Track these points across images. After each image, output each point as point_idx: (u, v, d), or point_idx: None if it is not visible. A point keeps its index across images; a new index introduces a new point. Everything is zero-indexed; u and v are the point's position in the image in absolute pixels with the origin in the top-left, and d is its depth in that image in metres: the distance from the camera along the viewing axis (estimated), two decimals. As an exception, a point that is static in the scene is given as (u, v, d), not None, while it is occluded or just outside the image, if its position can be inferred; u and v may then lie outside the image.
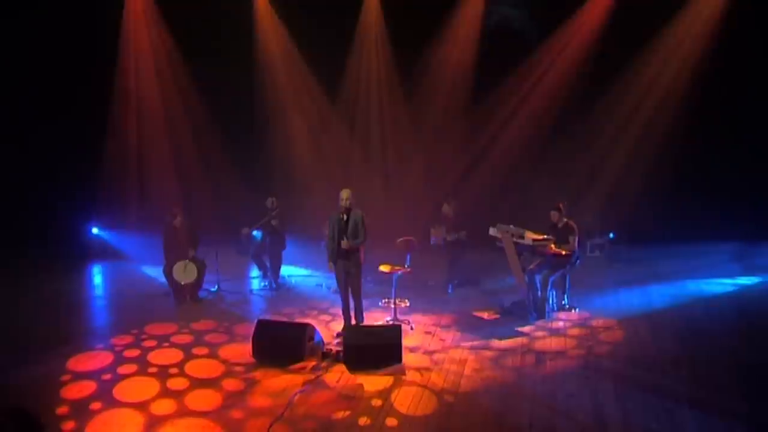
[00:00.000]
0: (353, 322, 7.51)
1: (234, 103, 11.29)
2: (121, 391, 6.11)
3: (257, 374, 6.45)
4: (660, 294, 8.97)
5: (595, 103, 10.87)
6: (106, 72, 10.90)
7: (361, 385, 6.17)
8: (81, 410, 5.69)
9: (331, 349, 6.89)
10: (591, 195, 10.94)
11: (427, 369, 6.59)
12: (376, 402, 5.85)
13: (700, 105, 10.01)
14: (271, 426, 5.38)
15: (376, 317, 8.05)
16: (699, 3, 10.16)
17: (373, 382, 6.23)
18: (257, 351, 6.80)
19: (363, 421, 5.52)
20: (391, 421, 5.52)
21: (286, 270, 9.96)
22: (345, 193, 7.23)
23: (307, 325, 7.02)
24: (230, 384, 6.27)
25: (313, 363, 6.64)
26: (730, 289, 9.28)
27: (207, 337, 7.56)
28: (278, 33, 11.40)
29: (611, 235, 11.21)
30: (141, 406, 5.79)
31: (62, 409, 5.70)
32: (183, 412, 5.71)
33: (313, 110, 11.85)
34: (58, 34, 9.96)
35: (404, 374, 6.41)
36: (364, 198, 8.45)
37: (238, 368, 6.61)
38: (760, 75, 9.66)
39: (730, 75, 9.71)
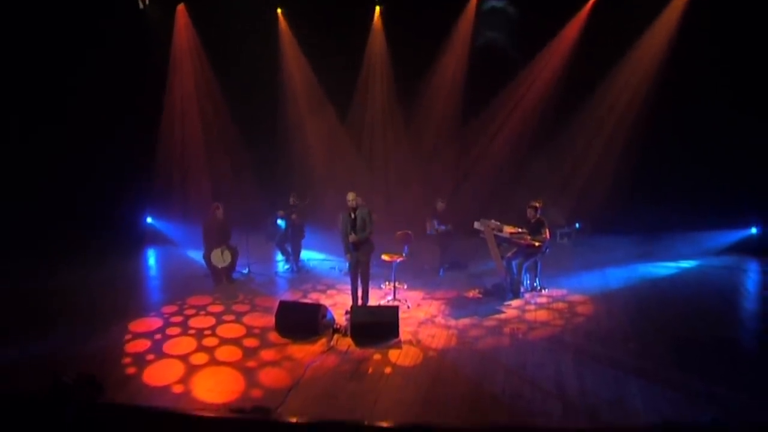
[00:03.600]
0: (360, 302, 7.57)
1: (260, 117, 11.61)
2: (168, 347, 6.72)
3: (271, 336, 6.95)
4: (616, 276, 9.06)
5: (565, 123, 10.97)
6: (158, 94, 11.41)
7: (365, 352, 6.46)
8: (139, 360, 6.35)
9: (340, 326, 7.01)
10: (562, 197, 11.02)
11: (419, 339, 6.81)
12: (377, 357, 6.33)
13: (652, 120, 10.10)
14: (290, 390, 5.60)
15: (379, 295, 8.21)
16: (654, 29, 10.11)
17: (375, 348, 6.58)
18: (279, 327, 6.97)
19: (368, 370, 6.03)
20: (387, 369, 6.04)
21: (305, 254, 10.17)
22: (351, 195, 7.30)
23: (320, 305, 7.18)
24: (249, 342, 6.83)
25: (326, 337, 6.79)
26: (672, 271, 9.39)
27: (235, 308, 7.97)
28: (299, 62, 11.66)
29: (577, 225, 11.27)
30: (183, 358, 6.41)
31: (126, 360, 6.35)
32: (213, 362, 6.34)
33: (325, 128, 12.03)
34: (122, 65, 10.42)
35: (401, 344, 6.63)
36: (370, 199, 8.55)
37: (256, 331, 7.13)
38: (701, 96, 9.62)
39: (677, 97, 9.75)
